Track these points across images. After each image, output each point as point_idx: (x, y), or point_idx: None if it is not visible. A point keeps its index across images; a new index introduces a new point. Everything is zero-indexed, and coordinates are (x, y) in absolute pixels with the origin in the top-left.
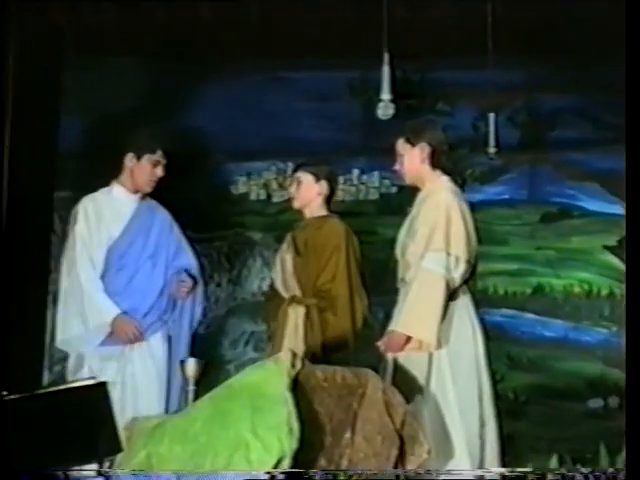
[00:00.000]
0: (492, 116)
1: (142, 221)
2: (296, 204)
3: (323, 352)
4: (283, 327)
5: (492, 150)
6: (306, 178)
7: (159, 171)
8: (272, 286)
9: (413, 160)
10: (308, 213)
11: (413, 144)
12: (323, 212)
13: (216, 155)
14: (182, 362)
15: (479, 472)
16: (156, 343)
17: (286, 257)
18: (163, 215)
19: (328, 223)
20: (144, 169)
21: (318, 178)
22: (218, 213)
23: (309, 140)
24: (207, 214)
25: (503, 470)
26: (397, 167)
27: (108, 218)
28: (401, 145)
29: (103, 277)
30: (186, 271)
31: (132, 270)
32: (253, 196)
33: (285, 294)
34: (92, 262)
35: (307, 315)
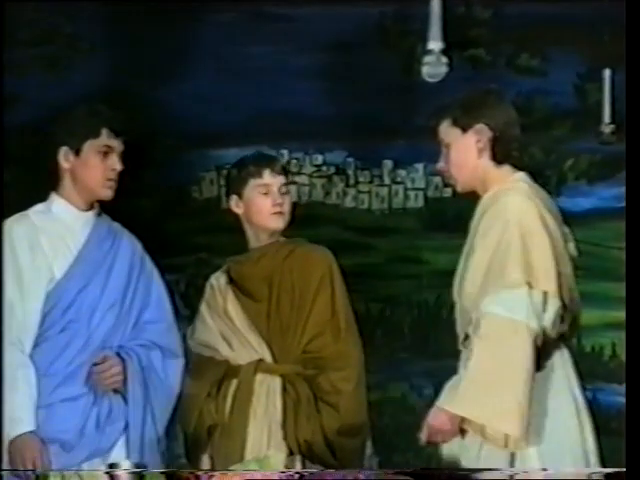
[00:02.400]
0: (608, 73)
1: (100, 253)
2: (282, 223)
3: (325, 444)
4: (244, 410)
5: (608, 129)
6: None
7: (115, 162)
8: (188, 347)
9: (466, 153)
10: (265, 236)
11: (464, 128)
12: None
13: (167, 138)
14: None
15: None
16: (119, 456)
17: (227, 305)
18: (131, 243)
19: (301, 248)
20: (90, 165)
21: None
22: (171, 229)
23: (314, 114)
24: (153, 230)
25: None
26: (441, 165)
27: (47, 248)
28: (447, 130)
29: (38, 343)
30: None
31: (84, 332)
32: (227, 202)
33: (237, 360)
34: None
35: (285, 389)
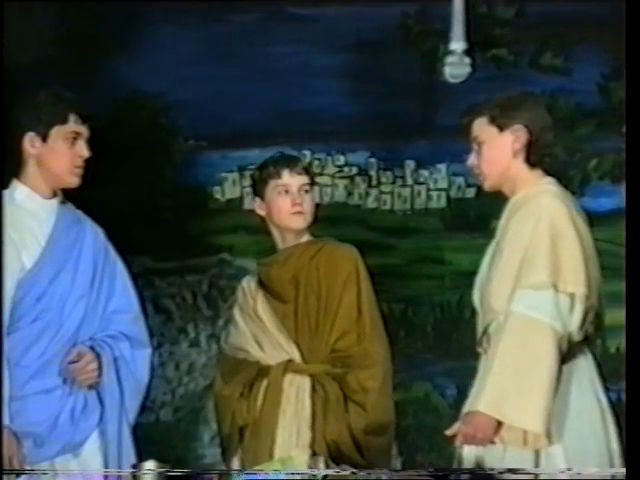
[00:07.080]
0: None
1: (68, 241)
2: (302, 222)
3: (353, 443)
4: (274, 410)
5: None
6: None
7: (82, 148)
8: (222, 351)
9: (501, 151)
10: (290, 237)
11: (501, 127)
12: (306, 235)
13: (188, 137)
14: (134, 467)
15: None
16: (92, 451)
17: (257, 307)
18: (94, 231)
19: (327, 247)
20: (57, 151)
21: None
22: (193, 230)
23: (336, 115)
24: (174, 231)
25: None
26: (472, 161)
27: (14, 237)
28: (482, 127)
29: (9, 332)
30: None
31: (56, 322)
32: (249, 203)
33: (268, 360)
34: None
35: (314, 389)
